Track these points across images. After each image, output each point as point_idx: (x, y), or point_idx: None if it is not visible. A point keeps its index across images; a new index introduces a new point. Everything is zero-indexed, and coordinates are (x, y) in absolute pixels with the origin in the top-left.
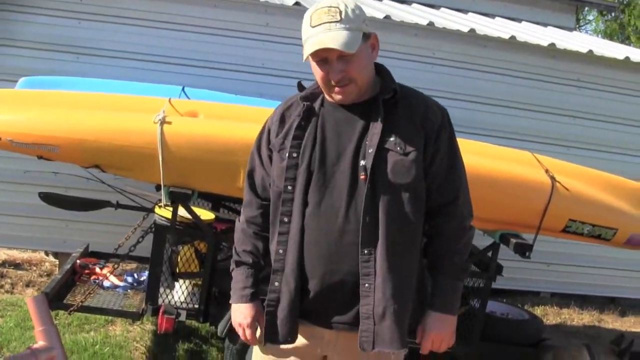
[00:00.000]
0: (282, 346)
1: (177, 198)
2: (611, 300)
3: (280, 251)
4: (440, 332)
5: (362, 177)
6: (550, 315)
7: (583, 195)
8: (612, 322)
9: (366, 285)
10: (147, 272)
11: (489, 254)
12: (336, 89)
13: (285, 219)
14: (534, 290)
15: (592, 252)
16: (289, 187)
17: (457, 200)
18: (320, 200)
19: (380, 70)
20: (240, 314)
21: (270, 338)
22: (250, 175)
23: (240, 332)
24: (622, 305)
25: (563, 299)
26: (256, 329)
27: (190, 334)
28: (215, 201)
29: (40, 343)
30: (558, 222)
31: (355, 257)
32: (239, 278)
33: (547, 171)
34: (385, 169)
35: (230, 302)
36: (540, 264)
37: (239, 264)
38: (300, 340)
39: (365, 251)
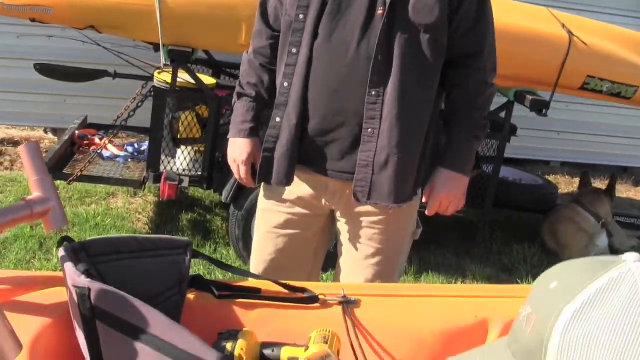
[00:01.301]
0: (286, 195)
1: (176, 57)
2: (624, 169)
3: (285, 84)
4: (449, 192)
5: (380, 11)
6: (562, 184)
7: (602, 51)
8: (626, 191)
9: (369, 130)
10: (147, 143)
11: (503, 114)
12: None
13: (294, 50)
14: (543, 160)
15: (604, 120)
16: (301, 16)
17: (482, 52)
18: (332, 32)
19: None
20: (237, 149)
21: (265, 178)
22: (263, 4)
23: (234, 169)
24: (635, 174)
25: (574, 169)
26: (253, 168)
27: (193, 205)
28: (216, 68)
29: (35, 194)
30: (576, 78)
31: (361, 97)
32: (240, 111)
33: (563, 26)
34: (406, 6)
35: (227, 136)
36: (550, 132)
37: (241, 96)
38: (304, 190)
39: (373, 92)
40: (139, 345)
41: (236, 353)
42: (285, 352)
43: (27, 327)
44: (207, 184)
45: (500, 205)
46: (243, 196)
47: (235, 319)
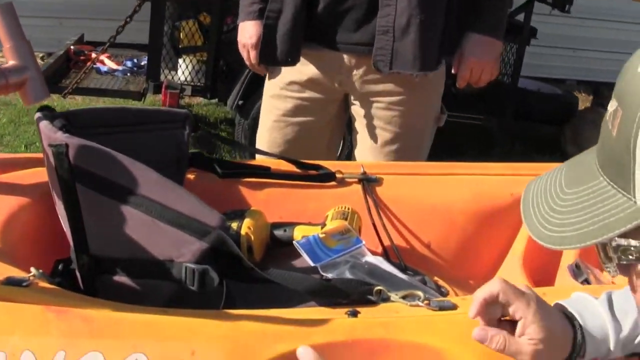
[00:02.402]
0: (295, 78)
1: None
2: None
3: None
4: (481, 58)
5: None
6: (579, 102)
7: None
8: None
9: None
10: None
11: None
12: None
13: None
14: (559, 78)
15: (621, 37)
16: None
17: None
18: None
19: None
20: (246, 33)
21: (267, 58)
22: None
23: (244, 55)
24: None
25: (590, 87)
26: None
27: (197, 121)
28: None
29: (10, 63)
30: None
31: None
32: None
33: None
34: None
35: (237, 21)
36: (566, 49)
37: None
38: (315, 70)
39: None
40: (126, 209)
41: (242, 232)
42: (298, 231)
43: (2, 206)
44: (210, 93)
45: (520, 116)
46: (249, 103)
47: (241, 200)
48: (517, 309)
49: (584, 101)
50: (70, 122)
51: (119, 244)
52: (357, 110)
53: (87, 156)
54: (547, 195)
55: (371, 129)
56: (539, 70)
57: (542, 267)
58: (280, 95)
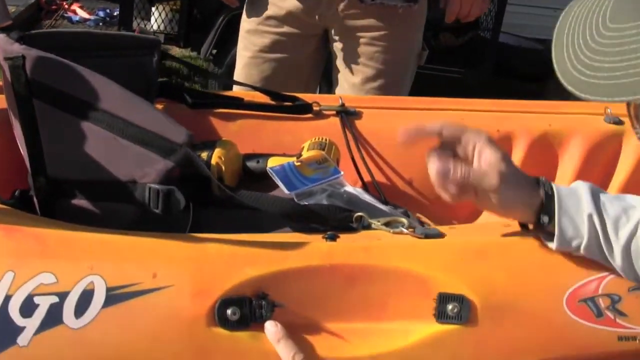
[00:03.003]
0: (273, 12)
1: None
2: None
3: None
4: None
5: None
6: None
7: None
8: None
9: None
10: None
11: None
12: None
13: None
14: (539, 38)
15: None
16: None
17: None
18: None
19: None
20: None
21: None
22: None
23: None
24: None
25: None
26: None
27: (170, 74)
28: None
29: None
30: None
31: None
32: None
33: None
34: None
35: None
36: (546, 9)
37: None
38: (294, 3)
39: None
40: (86, 125)
41: (213, 162)
42: (272, 162)
43: None
44: (183, 41)
45: (500, 72)
46: (223, 52)
47: (212, 132)
48: (467, 140)
49: None
50: (28, 43)
51: (78, 165)
52: (338, 46)
53: (45, 69)
54: (585, 25)
55: (352, 65)
56: (519, 30)
57: None
58: (257, 30)
